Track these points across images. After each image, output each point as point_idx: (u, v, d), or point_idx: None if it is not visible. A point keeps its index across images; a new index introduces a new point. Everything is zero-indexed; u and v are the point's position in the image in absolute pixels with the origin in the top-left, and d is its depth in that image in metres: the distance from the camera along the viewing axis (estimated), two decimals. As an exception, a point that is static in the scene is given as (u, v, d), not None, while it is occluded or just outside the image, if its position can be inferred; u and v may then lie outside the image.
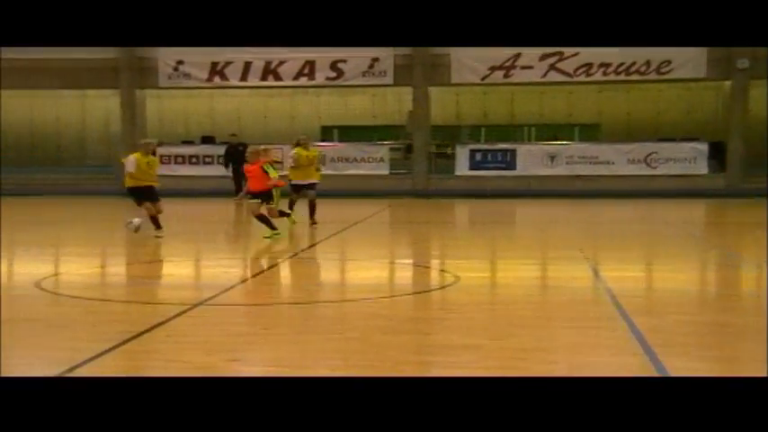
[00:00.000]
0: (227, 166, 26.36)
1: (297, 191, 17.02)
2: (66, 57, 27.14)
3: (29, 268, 11.30)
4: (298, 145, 17.21)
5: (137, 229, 13.84)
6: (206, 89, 29.84)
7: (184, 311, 8.01)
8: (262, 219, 14.31)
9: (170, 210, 21.93)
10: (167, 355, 6.41)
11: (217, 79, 28.88)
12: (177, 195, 25.30)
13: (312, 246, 13.90)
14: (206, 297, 8.79)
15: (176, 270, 11.76)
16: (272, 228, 14.14)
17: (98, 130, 32.01)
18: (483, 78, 28.37)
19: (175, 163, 28.34)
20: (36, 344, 6.96)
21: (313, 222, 16.43)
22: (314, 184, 16.96)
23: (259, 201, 14.41)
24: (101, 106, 31.49)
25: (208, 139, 29.93)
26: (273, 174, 14.39)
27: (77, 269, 11.48)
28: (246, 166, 14.77)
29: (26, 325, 7.76)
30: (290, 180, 16.90)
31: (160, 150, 28.32)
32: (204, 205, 23.72)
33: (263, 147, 15.47)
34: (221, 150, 27.77)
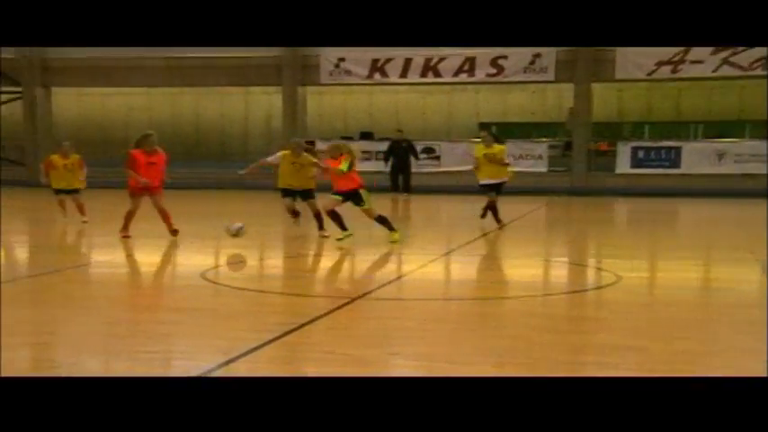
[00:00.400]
0: (386, 160, 26.60)
1: (487, 191, 15.91)
2: (232, 55, 28.05)
3: (194, 260, 11.68)
4: (498, 142, 16.27)
5: (235, 233, 12.89)
6: (365, 86, 30.19)
7: (344, 305, 8.09)
8: (333, 216, 13.20)
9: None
10: (327, 347, 6.46)
11: (377, 76, 29.19)
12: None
13: (468, 243, 13.81)
14: (365, 291, 8.88)
15: (334, 264, 11.92)
16: (345, 227, 13.12)
17: (260, 126, 32.91)
18: (649, 74, 27.61)
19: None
20: (202, 333, 7.16)
21: (484, 216, 15.82)
22: (501, 183, 15.82)
23: (340, 199, 13.24)
24: (263, 102, 32.36)
25: (366, 135, 30.28)
26: (344, 166, 13.18)
27: (239, 260, 11.76)
28: (329, 161, 13.41)
29: (192, 314, 8.02)
30: (478, 181, 16.05)
31: (319, 146, 29.00)
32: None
33: (343, 142, 14.23)
34: (380, 146, 28.09)
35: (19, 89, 30.27)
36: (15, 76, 30.05)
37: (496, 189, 15.80)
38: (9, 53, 29.21)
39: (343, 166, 13.08)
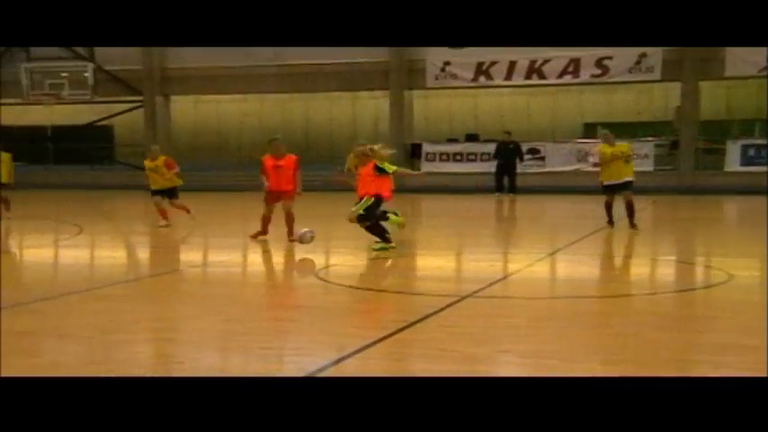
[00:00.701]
0: (497, 159, 26.68)
1: (610, 192, 15.24)
2: (340, 61, 28.51)
3: (307, 259, 11.98)
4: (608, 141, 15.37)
5: (302, 238, 12.67)
6: (471, 89, 30.28)
7: (454, 303, 8.24)
8: (371, 229, 12.67)
9: (434, 205, 22.45)
10: (439, 344, 6.60)
11: (482, 79, 29.20)
12: (441, 192, 25.95)
13: (574, 242, 13.81)
14: (474, 289, 9.01)
15: (443, 263, 12.08)
16: (386, 239, 12.53)
17: (367, 130, 33.28)
18: (761, 70, 26.90)
19: (440, 160, 29.03)
20: (316, 330, 7.42)
21: (633, 225, 14.98)
22: (628, 182, 15.11)
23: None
24: (371, 106, 32.74)
25: (472, 137, 30.39)
26: (391, 168, 12.69)
27: (350, 261, 12.05)
28: (361, 170, 12.87)
29: (307, 312, 8.32)
30: (601, 182, 15.35)
31: (426, 148, 29.27)
32: (467, 201, 24.09)
33: (369, 146, 13.23)
34: (485, 148, 28.19)
35: (140, 98, 31.40)
36: (137, 85, 31.19)
37: (624, 188, 15.14)
38: (132, 64, 30.37)
39: (390, 168, 12.68)
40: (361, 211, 12.54)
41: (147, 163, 16.86)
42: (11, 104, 31.95)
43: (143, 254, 13.85)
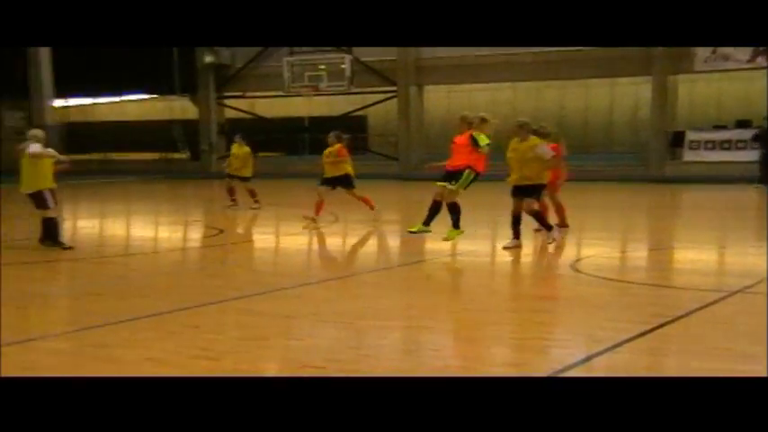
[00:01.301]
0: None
1: None
2: (599, 47, 27.71)
3: (564, 250, 11.68)
4: None
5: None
6: (745, 71, 28.35)
7: (723, 298, 7.80)
8: (452, 209, 11.86)
9: (697, 196, 21.47)
10: (708, 341, 6.28)
11: (759, 60, 27.15)
12: (705, 182, 24.67)
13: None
14: (746, 284, 8.45)
15: (705, 256, 11.43)
16: (456, 225, 11.89)
17: (626, 117, 32.30)
18: None
19: (705, 149, 27.57)
20: (575, 322, 7.24)
21: None
22: None
23: (445, 184, 11.86)
24: (630, 93, 31.70)
25: (742, 123, 28.55)
26: (484, 141, 11.59)
27: (605, 252, 11.54)
28: (456, 138, 11.94)
29: (565, 304, 8.11)
30: None
31: (689, 136, 27.87)
32: (735, 192, 22.73)
33: (481, 114, 12.12)
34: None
35: (394, 88, 32.07)
36: (391, 76, 31.86)
37: None
38: (388, 56, 31.02)
39: (483, 141, 11.59)
40: (462, 189, 11.76)
41: (330, 151, 16.02)
42: (272, 97, 33.58)
43: (394, 242, 13.92)
